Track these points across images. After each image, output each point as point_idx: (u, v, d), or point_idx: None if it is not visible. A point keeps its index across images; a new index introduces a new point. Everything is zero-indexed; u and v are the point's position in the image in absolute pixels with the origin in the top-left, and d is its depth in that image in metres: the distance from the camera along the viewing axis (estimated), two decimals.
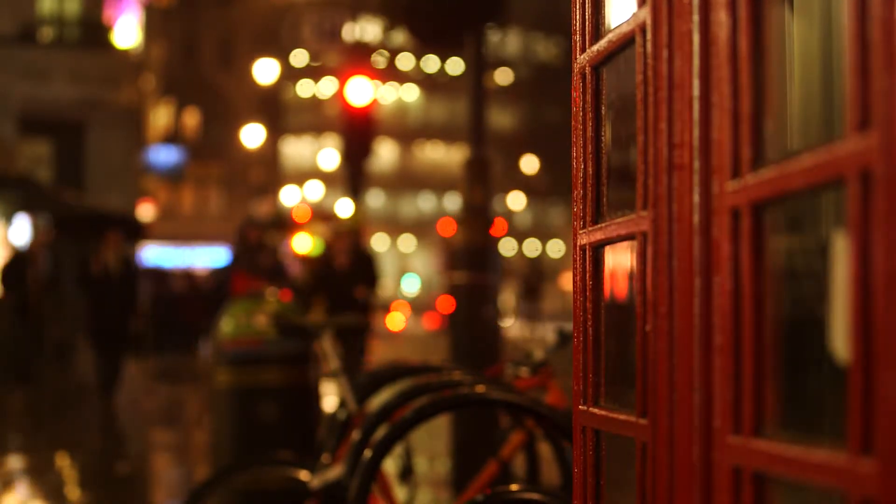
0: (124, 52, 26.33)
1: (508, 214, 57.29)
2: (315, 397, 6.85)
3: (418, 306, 42.65)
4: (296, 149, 54.83)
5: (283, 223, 25.47)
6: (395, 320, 32.11)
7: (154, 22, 32.22)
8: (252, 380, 6.41)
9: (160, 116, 39.50)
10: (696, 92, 1.54)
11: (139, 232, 19.20)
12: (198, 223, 44.67)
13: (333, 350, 4.42)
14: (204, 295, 21.50)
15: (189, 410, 12.86)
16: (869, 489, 1.11)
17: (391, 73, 53.64)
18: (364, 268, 10.74)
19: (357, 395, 4.18)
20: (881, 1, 1.11)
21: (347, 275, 10.57)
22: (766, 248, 1.39)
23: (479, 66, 7.52)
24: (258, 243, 14.18)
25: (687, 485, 1.54)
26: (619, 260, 1.95)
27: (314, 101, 54.95)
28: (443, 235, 46.73)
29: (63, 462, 8.74)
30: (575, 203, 1.96)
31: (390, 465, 5.34)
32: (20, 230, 17.48)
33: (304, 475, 4.04)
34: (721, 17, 1.48)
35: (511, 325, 29.97)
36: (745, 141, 1.42)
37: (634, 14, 1.73)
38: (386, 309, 30.47)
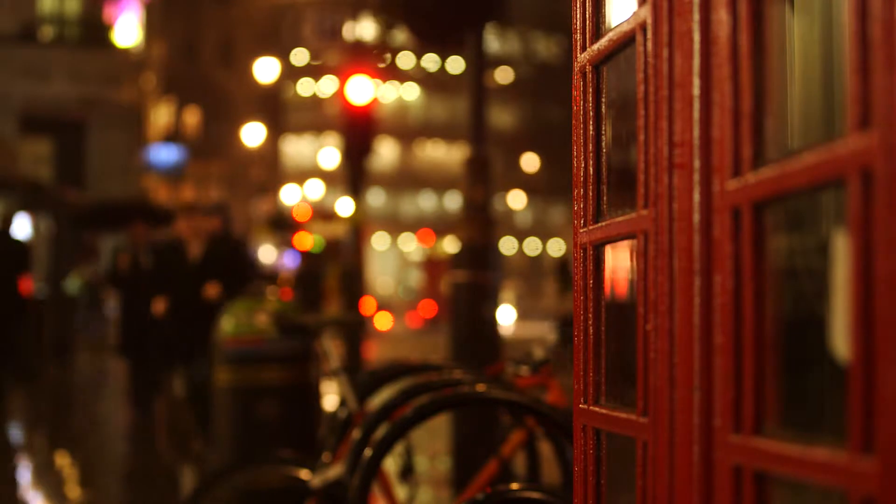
0: (125, 51, 26.36)
1: (509, 213, 57.29)
2: (316, 396, 6.85)
3: (400, 307, 42.46)
4: (296, 147, 54.82)
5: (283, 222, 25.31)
6: (383, 320, 32.08)
7: (154, 21, 32.21)
8: (252, 378, 6.41)
9: (160, 115, 39.47)
10: (696, 91, 1.54)
11: (165, 216, 16.19)
12: None
13: (334, 349, 4.42)
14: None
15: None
16: (869, 488, 1.11)
17: (392, 72, 53.59)
18: (222, 261, 8.21)
19: (357, 394, 4.19)
20: (881, 0, 1.11)
21: (198, 270, 8.14)
22: (767, 247, 1.39)
23: (480, 64, 7.51)
24: None
25: (687, 484, 1.54)
26: (620, 259, 1.95)
27: (315, 100, 54.91)
28: (423, 245, 46.67)
29: (63, 461, 8.74)
30: (575, 202, 1.96)
31: (391, 464, 5.34)
32: (21, 229, 17.48)
33: (304, 474, 4.04)
34: (721, 15, 1.47)
35: None
36: (746, 140, 1.42)
37: (635, 13, 1.73)
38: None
